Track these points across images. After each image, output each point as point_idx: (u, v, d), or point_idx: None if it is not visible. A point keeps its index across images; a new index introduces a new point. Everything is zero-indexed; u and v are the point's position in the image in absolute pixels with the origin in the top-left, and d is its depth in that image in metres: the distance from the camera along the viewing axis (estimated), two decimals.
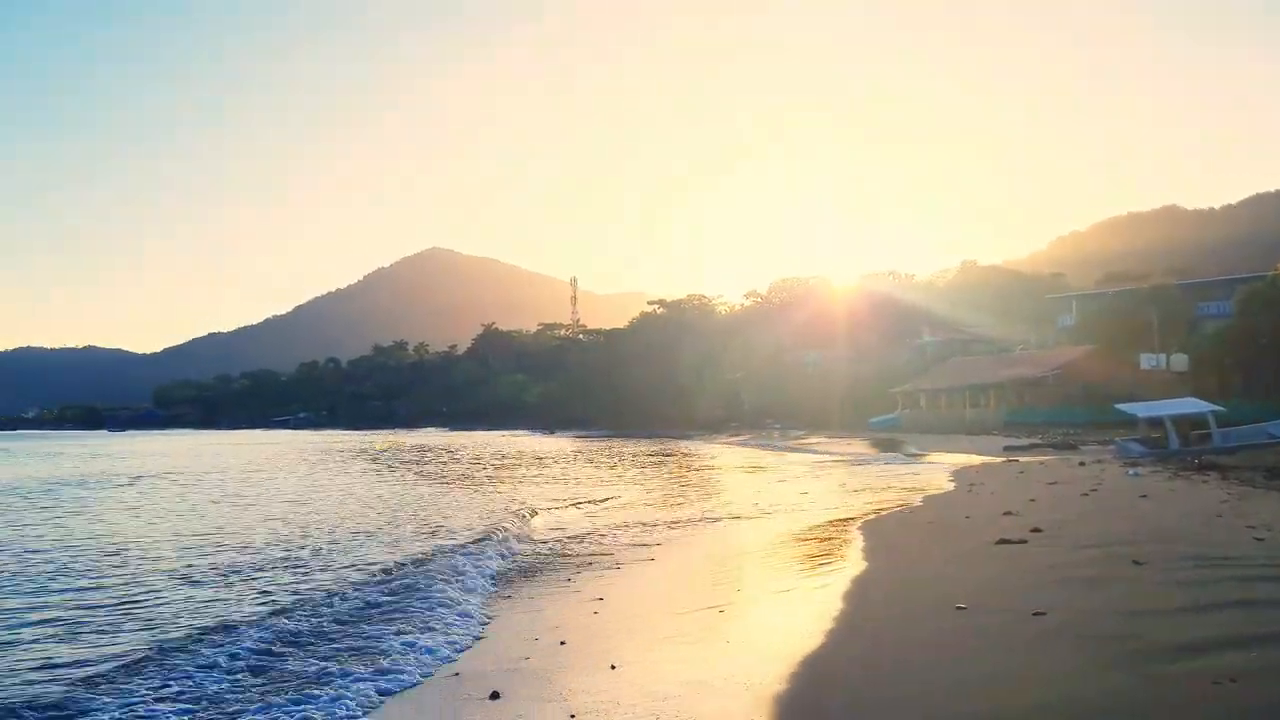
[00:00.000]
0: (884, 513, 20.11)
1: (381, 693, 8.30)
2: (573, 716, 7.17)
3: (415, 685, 8.59)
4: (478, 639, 10.33)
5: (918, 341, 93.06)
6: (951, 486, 25.91)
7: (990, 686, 6.84)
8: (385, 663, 9.14)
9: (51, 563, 16.12)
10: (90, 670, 9.20)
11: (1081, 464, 30.74)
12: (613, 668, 8.50)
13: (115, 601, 12.64)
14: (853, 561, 13.64)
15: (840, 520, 19.01)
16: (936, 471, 32.46)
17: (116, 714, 7.88)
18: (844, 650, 8.40)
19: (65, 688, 8.61)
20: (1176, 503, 17.99)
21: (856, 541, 15.74)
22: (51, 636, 10.74)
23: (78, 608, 12.28)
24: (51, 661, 9.63)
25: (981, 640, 8.11)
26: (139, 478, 39.98)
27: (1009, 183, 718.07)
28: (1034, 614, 8.71)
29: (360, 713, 7.80)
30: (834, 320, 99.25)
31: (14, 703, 8.21)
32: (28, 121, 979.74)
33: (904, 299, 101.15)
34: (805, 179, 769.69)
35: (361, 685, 8.41)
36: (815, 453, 49.68)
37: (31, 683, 8.88)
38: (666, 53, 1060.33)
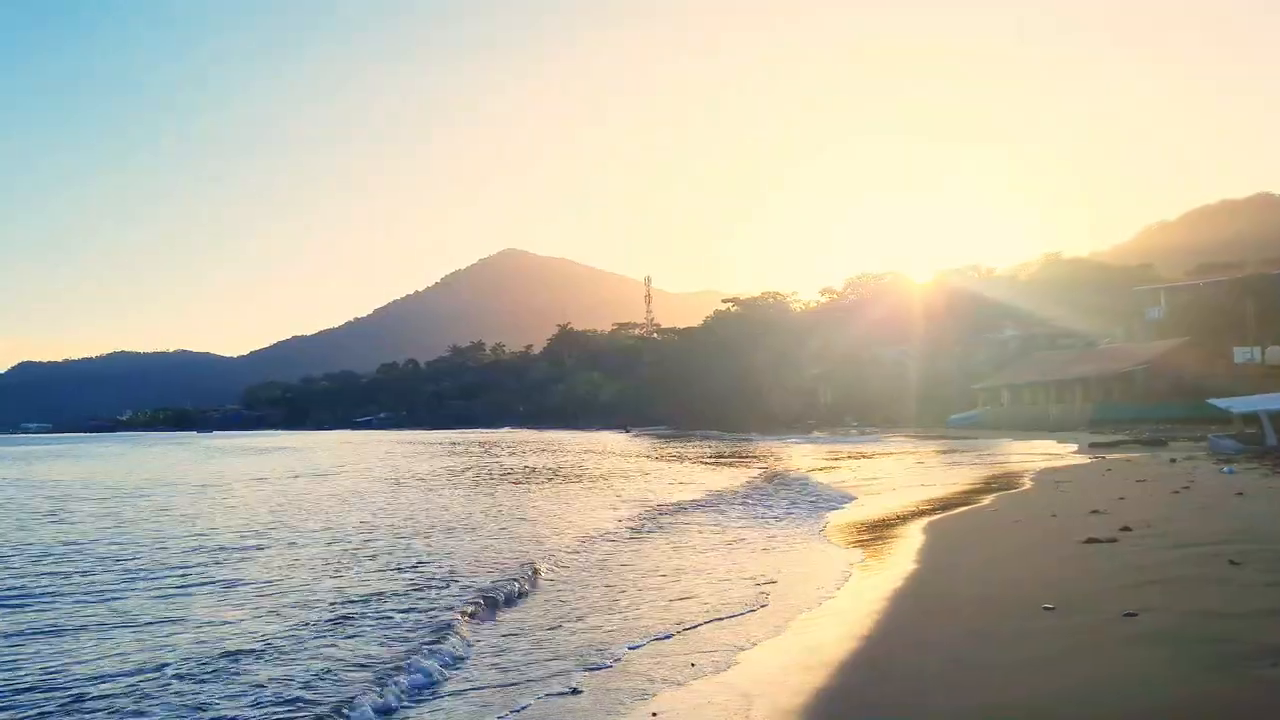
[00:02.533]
0: (967, 511, 19.78)
1: None
2: (655, 715, 7.19)
3: None
4: None
5: (999, 336, 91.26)
6: (1036, 484, 25.34)
7: (1081, 689, 6.68)
8: None
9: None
10: None
11: (1172, 461, 29.81)
12: (692, 665, 8.53)
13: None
14: (934, 560, 13.45)
15: (921, 518, 18.74)
16: (1020, 469, 31.74)
17: None
18: (928, 650, 8.28)
19: None
20: (1275, 500, 17.34)
21: (938, 540, 15.50)
22: None
23: None
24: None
25: (1071, 641, 7.92)
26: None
27: (1093, 173, 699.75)
28: (1125, 615, 8.48)
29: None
30: (912, 316, 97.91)
31: None
32: (119, 139, 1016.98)
33: (984, 293, 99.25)
34: (883, 173, 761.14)
35: None
36: (894, 451, 49.00)
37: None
38: (740, 51, 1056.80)
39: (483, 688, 8.11)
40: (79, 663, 8.88)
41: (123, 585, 12.94)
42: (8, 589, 12.79)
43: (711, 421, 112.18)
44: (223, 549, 16.35)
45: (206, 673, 8.46)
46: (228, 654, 9.06)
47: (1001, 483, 26.53)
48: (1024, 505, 20.19)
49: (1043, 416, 68.60)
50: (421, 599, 11.64)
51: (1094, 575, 10.90)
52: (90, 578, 13.56)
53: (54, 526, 20.58)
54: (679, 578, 13.29)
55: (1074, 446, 43.89)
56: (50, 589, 12.74)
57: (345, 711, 7.30)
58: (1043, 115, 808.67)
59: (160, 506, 25.22)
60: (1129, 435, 47.40)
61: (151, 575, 13.74)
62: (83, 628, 10.33)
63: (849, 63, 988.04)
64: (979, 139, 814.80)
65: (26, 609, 11.46)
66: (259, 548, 16.54)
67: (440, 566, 14.10)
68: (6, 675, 8.52)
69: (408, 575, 13.37)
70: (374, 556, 15.25)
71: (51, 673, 8.56)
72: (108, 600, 11.90)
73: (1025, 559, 12.79)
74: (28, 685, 8.20)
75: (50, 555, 15.91)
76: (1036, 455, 39.52)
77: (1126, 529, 14.10)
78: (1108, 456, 35.67)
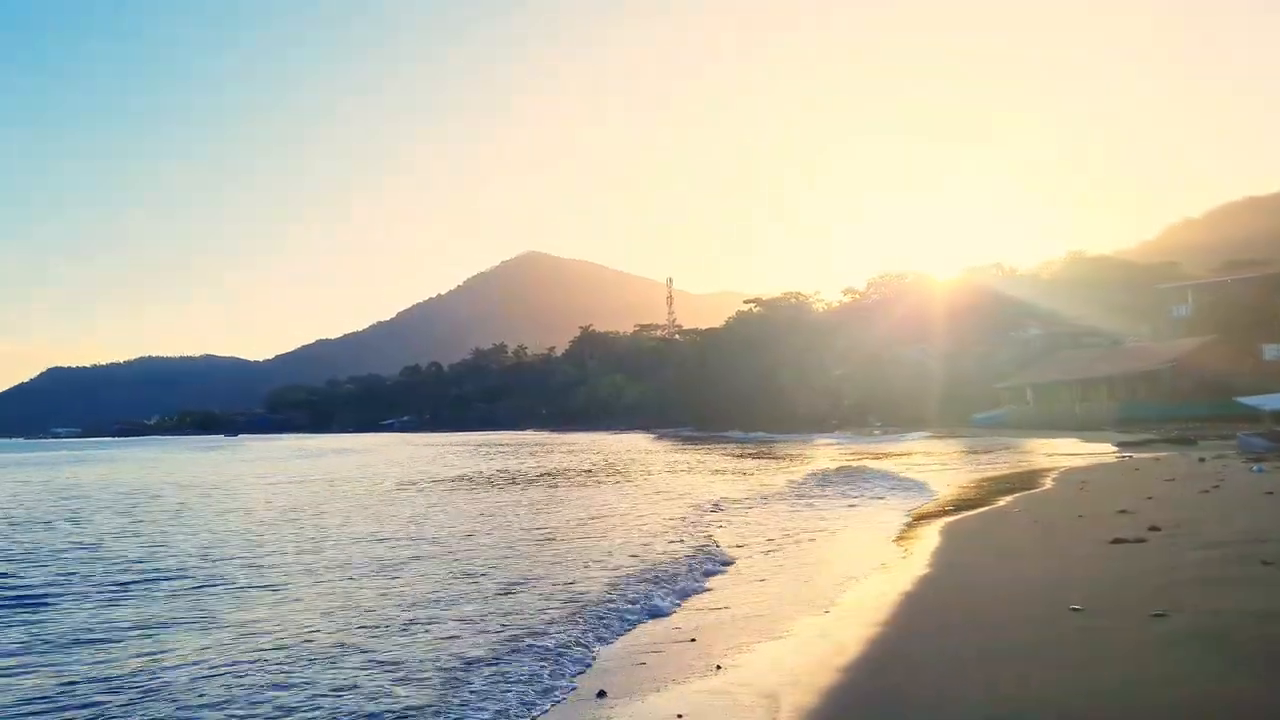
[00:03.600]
0: (991, 510, 19.65)
1: None
2: (680, 716, 7.20)
3: None
4: None
5: (1023, 335, 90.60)
6: (1062, 484, 25.14)
7: (1109, 690, 6.64)
8: None
9: None
10: None
11: (1201, 460, 29.51)
12: (718, 668, 8.54)
13: None
14: (958, 561, 13.37)
15: (945, 518, 18.64)
16: (1045, 468, 31.51)
17: None
18: (951, 650, 8.24)
19: None
20: None
21: (962, 541, 15.42)
22: None
23: None
24: None
25: (1099, 643, 7.87)
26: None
27: (1117, 170, 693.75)
28: (1154, 616, 8.42)
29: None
30: (935, 315, 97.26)
31: None
32: (144, 145, 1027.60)
33: (1007, 292, 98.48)
34: (903, 173, 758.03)
35: None
36: (920, 450, 48.76)
37: None
38: (759, 50, 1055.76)
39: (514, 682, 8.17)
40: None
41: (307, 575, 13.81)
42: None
43: (734, 422, 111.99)
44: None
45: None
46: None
47: (1026, 482, 26.34)
48: (1049, 505, 20.04)
49: (1068, 416, 68.03)
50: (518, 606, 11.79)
51: (1122, 576, 10.82)
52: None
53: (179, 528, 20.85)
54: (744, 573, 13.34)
55: (1100, 446, 43.53)
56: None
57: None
58: (1065, 113, 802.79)
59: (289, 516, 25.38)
60: (1156, 434, 46.93)
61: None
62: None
63: (866, 62, 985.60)
64: (1000, 137, 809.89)
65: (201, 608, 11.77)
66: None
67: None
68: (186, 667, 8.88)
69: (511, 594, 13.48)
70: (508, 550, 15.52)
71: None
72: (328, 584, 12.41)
73: (1051, 559, 12.70)
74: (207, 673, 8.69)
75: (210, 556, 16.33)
76: (1062, 455, 39.24)
77: (1155, 529, 13.99)
78: (1135, 456, 35.37)
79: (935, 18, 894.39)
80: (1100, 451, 39.84)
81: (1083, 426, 60.72)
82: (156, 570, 14.74)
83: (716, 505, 23.23)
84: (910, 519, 19.31)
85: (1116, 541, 13.12)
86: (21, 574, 14.62)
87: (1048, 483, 25.84)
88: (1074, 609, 9.07)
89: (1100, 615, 8.77)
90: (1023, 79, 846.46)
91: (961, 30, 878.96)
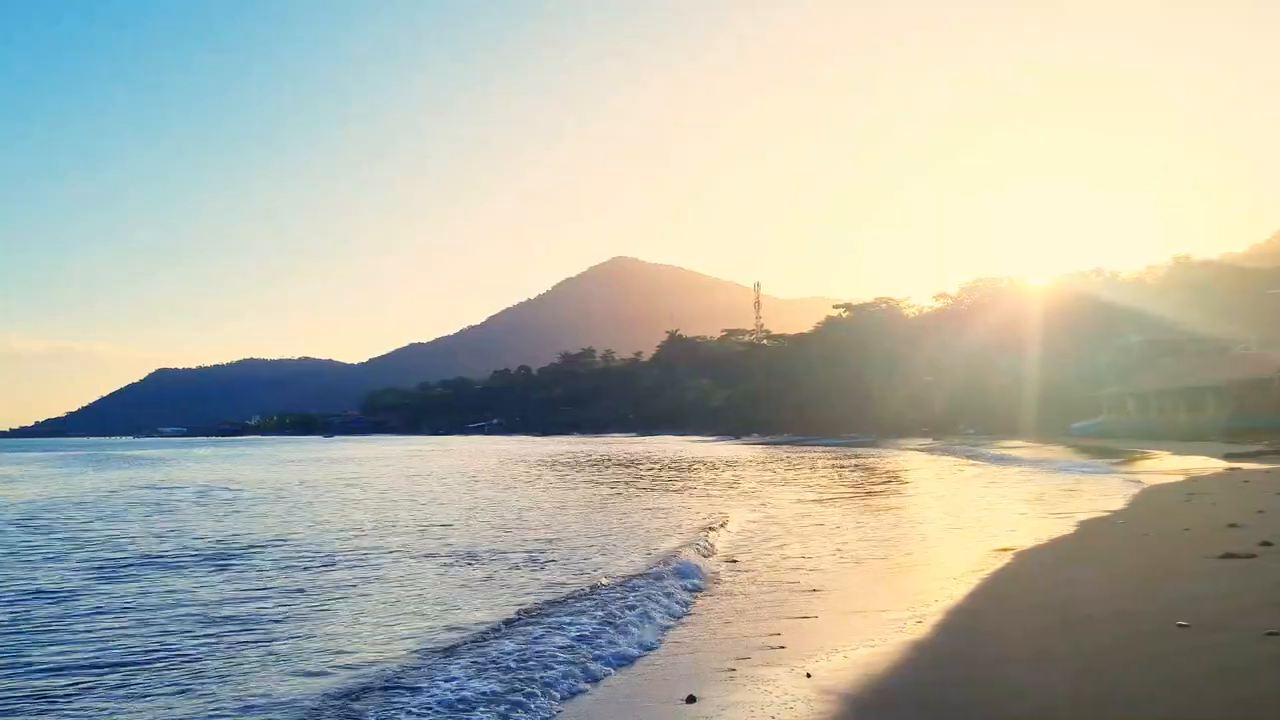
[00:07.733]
0: (1095, 524, 19.09)
1: None
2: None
3: None
4: None
5: (1124, 343, 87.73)
6: (1167, 496, 24.28)
7: (1219, 711, 6.40)
8: None
9: None
10: None
11: None
12: (808, 675, 8.48)
13: None
14: (1062, 576, 13.03)
15: (1044, 530, 18.17)
16: (1150, 481, 30.44)
17: None
18: (1055, 669, 8.04)
19: None
20: None
21: (1063, 555, 15.01)
22: None
23: None
24: None
25: (1207, 661, 7.58)
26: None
27: (1229, 169, 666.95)
28: (1268, 634, 8.08)
29: None
30: (1030, 321, 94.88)
31: None
32: (243, 156, 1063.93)
33: (1108, 298, 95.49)
34: (1001, 174, 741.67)
35: None
36: (1017, 460, 47.56)
37: None
38: (851, 56, 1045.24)
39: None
40: None
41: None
42: None
43: (821, 428, 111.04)
44: None
45: None
46: None
47: (1130, 493, 25.51)
48: (1155, 517, 19.37)
49: (1172, 425, 65.63)
50: None
51: (1231, 592, 10.41)
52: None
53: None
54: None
55: (1207, 456, 41.91)
56: None
57: None
58: (1174, 106, 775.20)
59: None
60: (1267, 445, 44.96)
61: None
62: None
63: (959, 66, 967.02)
64: (1104, 135, 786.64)
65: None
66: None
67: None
68: None
69: None
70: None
71: None
72: None
73: (1157, 574, 12.28)
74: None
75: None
76: (1167, 465, 37.90)
77: (1267, 544, 13.40)
78: (1244, 467, 33.93)
79: (1028, 20, 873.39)
80: (1206, 463, 38.36)
81: (1187, 436, 58.55)
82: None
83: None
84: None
85: (1226, 556, 12.61)
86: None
87: (1152, 494, 25.00)
88: (1181, 625, 8.75)
89: (1209, 633, 8.45)
90: (1127, 75, 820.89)
91: (1060, 32, 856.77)
